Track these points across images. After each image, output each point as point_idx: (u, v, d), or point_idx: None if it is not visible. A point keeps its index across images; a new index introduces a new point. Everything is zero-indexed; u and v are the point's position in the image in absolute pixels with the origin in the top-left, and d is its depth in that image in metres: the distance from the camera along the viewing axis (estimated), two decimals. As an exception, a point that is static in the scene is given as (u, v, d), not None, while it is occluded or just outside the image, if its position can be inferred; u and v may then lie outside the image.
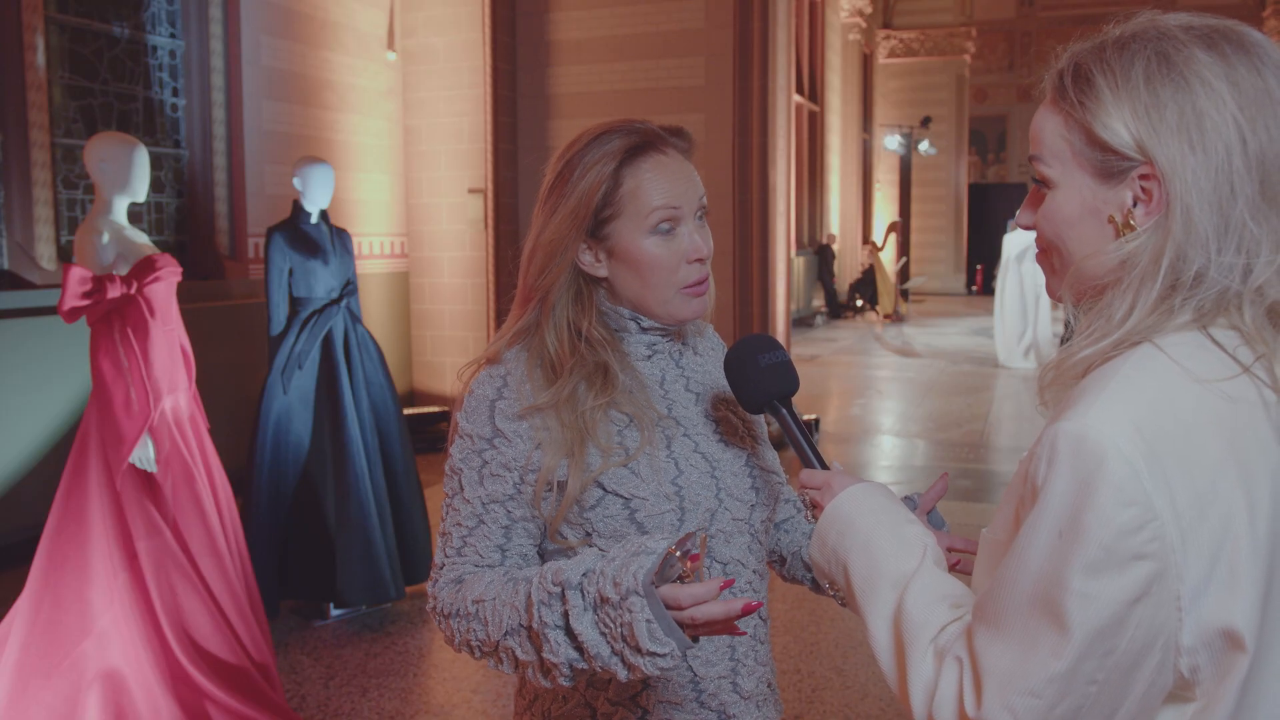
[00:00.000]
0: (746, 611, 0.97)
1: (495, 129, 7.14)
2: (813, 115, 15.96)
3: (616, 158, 1.19)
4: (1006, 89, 21.46)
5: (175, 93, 6.10)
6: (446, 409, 7.09)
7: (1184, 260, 0.84)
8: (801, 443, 1.16)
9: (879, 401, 9.39)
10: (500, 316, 1.68)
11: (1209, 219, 0.84)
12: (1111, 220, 0.89)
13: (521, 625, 1.07)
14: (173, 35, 6.06)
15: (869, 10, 18.30)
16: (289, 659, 3.66)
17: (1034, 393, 1.48)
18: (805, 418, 6.97)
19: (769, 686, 1.30)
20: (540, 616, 1.05)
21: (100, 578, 2.83)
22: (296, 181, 3.98)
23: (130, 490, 2.88)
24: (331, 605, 4.02)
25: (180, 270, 3.10)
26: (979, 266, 20.54)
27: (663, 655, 0.98)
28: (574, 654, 1.04)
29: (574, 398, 1.19)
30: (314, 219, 4.01)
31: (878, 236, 18.24)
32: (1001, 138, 22.22)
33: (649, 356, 1.27)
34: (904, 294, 17.06)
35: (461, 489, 1.20)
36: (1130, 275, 0.87)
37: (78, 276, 2.87)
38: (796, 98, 14.42)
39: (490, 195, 7.20)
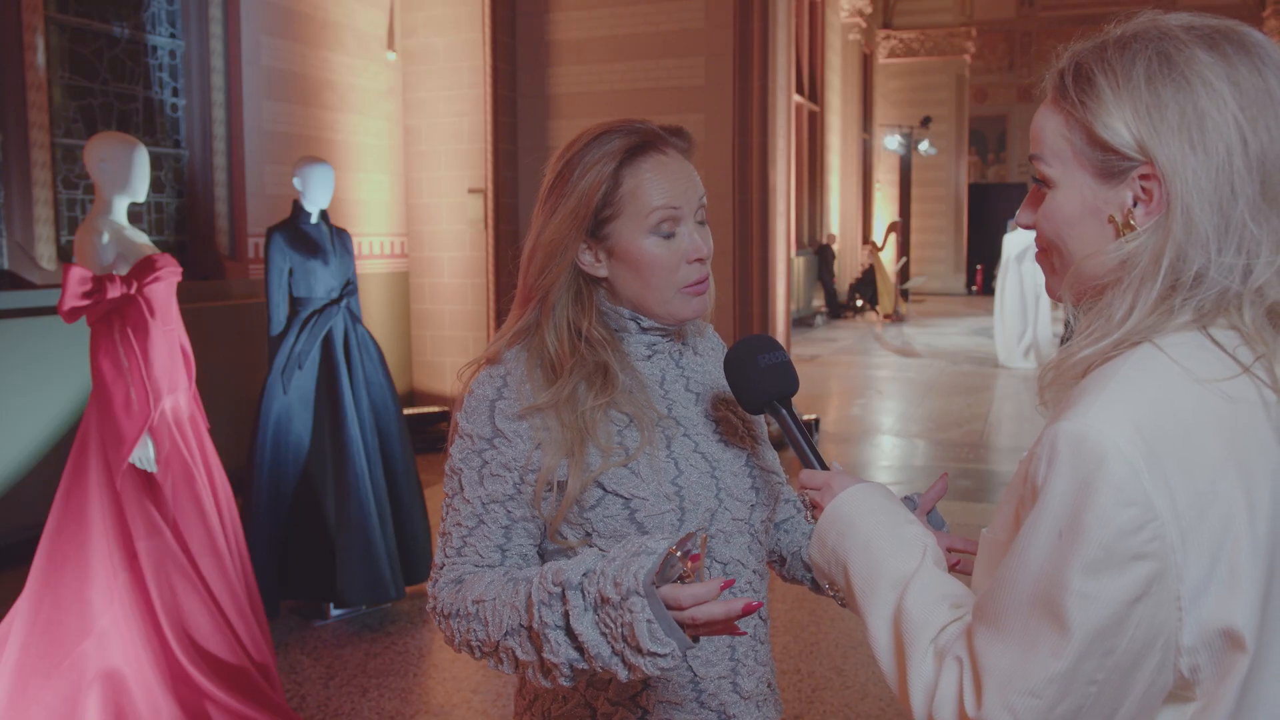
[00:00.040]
0: (747, 611, 0.97)
1: (495, 129, 7.15)
2: (813, 115, 15.96)
3: (616, 158, 1.19)
4: (1006, 89, 21.46)
5: (175, 93, 6.10)
6: (446, 409, 7.09)
7: (1184, 260, 0.84)
8: (801, 443, 1.16)
9: (879, 401, 9.39)
10: (500, 316, 1.67)
11: (1209, 219, 0.84)
12: (1112, 220, 0.89)
13: (522, 625, 1.07)
14: (173, 35, 6.06)
15: (869, 10, 18.30)
16: (289, 659, 3.66)
17: (1034, 393, 1.48)
18: (805, 418, 6.97)
19: (769, 686, 1.30)
20: (540, 617, 1.05)
21: (100, 578, 2.83)
22: (296, 181, 3.98)
23: (130, 490, 2.88)
24: (331, 605, 4.02)
25: (180, 270, 3.10)
26: (979, 266, 20.55)
27: (663, 655, 0.98)
28: (574, 654, 1.04)
29: (574, 398, 1.19)
30: (314, 219, 4.01)
31: (878, 236, 18.24)
32: (1001, 138, 22.22)
33: (649, 356, 1.27)
34: (904, 294, 17.06)
35: (461, 489, 1.20)
36: (1130, 275, 0.87)
37: (78, 276, 2.87)
38: (796, 98, 14.42)
39: (490, 195, 7.20)
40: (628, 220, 1.19)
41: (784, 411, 1.18)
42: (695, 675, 1.22)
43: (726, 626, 0.99)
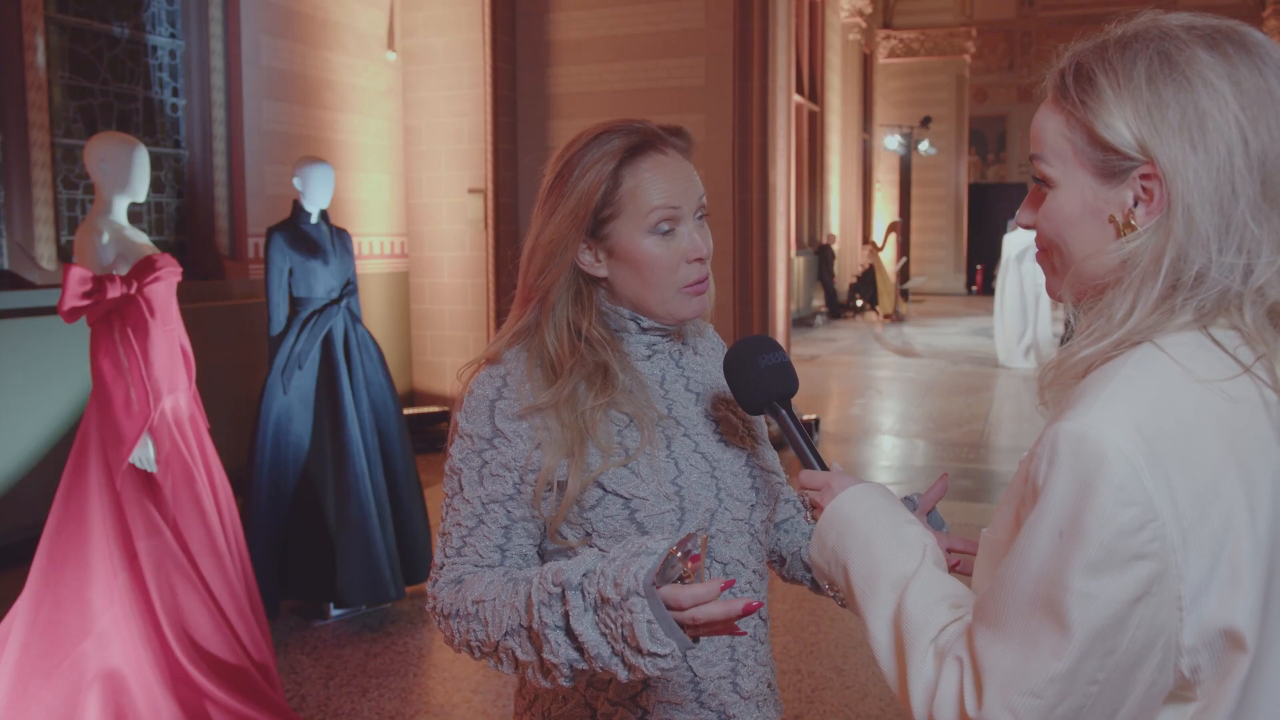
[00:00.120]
0: (747, 612, 0.97)
1: (495, 129, 7.15)
2: (813, 115, 15.96)
3: (616, 157, 1.19)
4: (1006, 89, 21.46)
5: (175, 93, 6.10)
6: (446, 409, 7.09)
7: (1185, 260, 0.84)
8: (801, 443, 1.16)
9: (879, 401, 9.39)
10: (500, 316, 1.68)
11: (1210, 219, 0.84)
12: (1112, 220, 0.88)
13: (521, 625, 1.07)
14: (173, 35, 6.06)
15: (869, 10, 18.30)
16: (289, 659, 3.66)
17: (1034, 393, 1.48)
18: (805, 418, 6.97)
19: (769, 686, 1.30)
20: (540, 617, 1.05)
21: (100, 578, 2.83)
22: (296, 181, 3.98)
23: (130, 490, 2.88)
24: (331, 605, 4.02)
25: (180, 270, 3.10)
26: (979, 266, 20.55)
27: (663, 656, 0.98)
28: (574, 654, 1.04)
29: (574, 398, 1.19)
30: (314, 219, 4.01)
31: (878, 236, 18.25)
32: (1001, 138, 22.22)
33: (649, 356, 1.27)
34: (904, 294, 17.06)
35: (461, 489, 1.20)
36: (1131, 275, 0.87)
37: (78, 276, 2.87)
38: (796, 98, 14.42)
39: (490, 195, 7.20)
40: (627, 220, 1.19)
41: (784, 412, 1.18)
42: (695, 675, 1.22)
43: (727, 627, 0.99)
